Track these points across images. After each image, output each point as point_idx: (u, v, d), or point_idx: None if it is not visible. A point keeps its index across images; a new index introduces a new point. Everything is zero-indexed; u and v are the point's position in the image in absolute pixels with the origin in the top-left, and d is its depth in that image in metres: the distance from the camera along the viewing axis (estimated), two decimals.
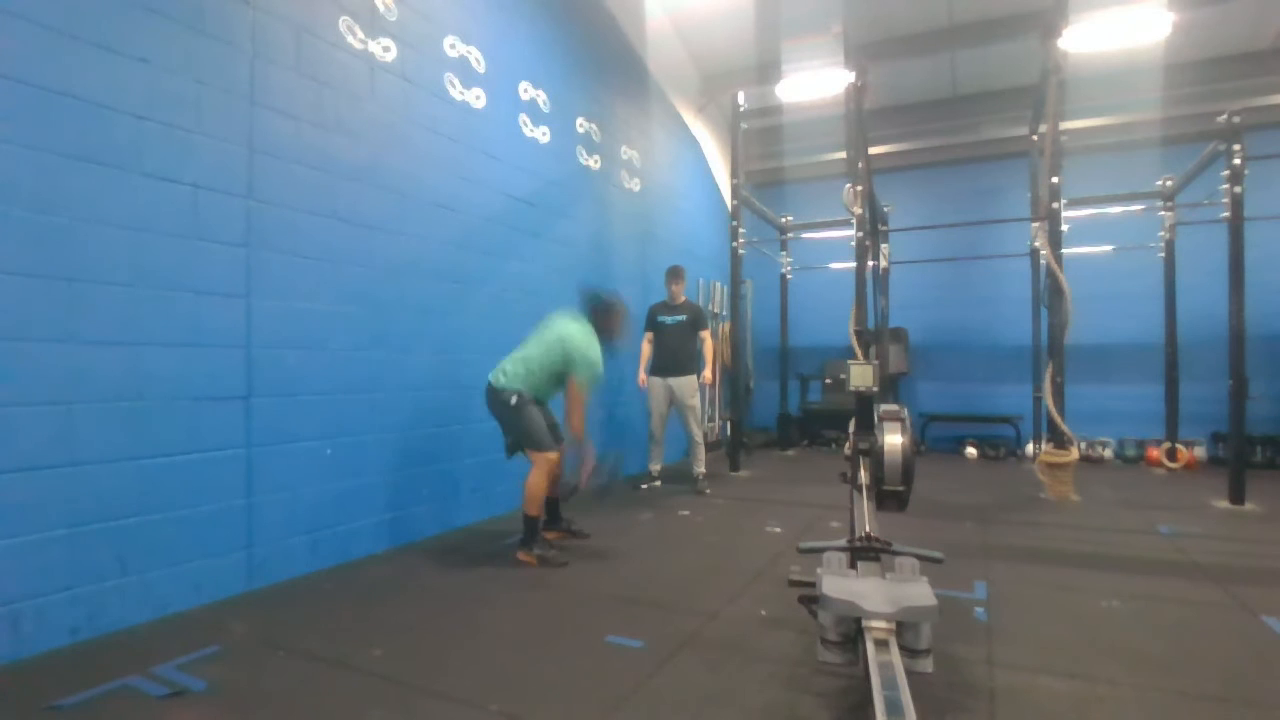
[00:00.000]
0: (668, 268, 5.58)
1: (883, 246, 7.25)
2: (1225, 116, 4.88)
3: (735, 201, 6.44)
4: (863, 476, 2.51)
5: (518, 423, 3.46)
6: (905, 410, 2.58)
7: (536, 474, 3.44)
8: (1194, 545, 3.74)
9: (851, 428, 2.64)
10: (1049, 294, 5.21)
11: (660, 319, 5.46)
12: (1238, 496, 4.76)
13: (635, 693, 2.03)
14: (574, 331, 3.55)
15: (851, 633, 1.91)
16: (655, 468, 5.54)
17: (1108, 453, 7.30)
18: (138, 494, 2.52)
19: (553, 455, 3.46)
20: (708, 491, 5.32)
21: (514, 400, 3.44)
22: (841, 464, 2.74)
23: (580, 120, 5.43)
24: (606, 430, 5.75)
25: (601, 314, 3.72)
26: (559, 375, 3.54)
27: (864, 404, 2.66)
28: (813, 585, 2.03)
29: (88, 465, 2.38)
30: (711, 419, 7.57)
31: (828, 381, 8.39)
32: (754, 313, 8.42)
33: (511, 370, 3.52)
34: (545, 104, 4.96)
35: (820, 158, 8.59)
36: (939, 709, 1.90)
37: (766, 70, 6.82)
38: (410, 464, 3.76)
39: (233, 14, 2.86)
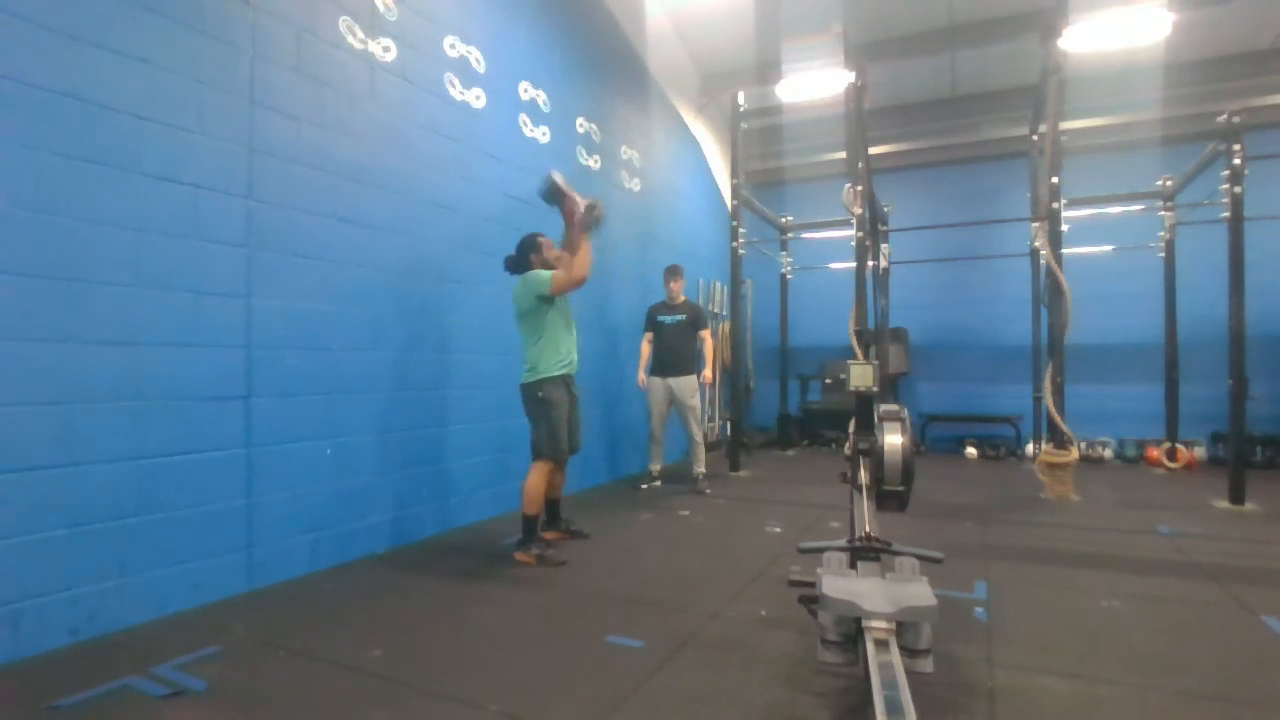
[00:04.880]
0: (666, 266, 5.58)
1: (883, 246, 7.26)
2: (1225, 116, 4.88)
3: (735, 201, 6.44)
4: (863, 476, 2.51)
5: (538, 420, 3.51)
6: (905, 410, 2.58)
7: (535, 475, 3.47)
8: (1194, 545, 3.74)
9: (851, 428, 2.64)
10: (1049, 294, 5.22)
11: (660, 319, 5.46)
12: (1238, 496, 4.76)
13: (635, 693, 2.03)
14: (514, 288, 3.59)
15: (851, 633, 1.91)
16: (655, 468, 5.54)
17: (1108, 453, 7.30)
18: (138, 494, 2.52)
19: (547, 466, 3.50)
20: (708, 491, 5.32)
21: (540, 394, 3.48)
22: (841, 464, 2.74)
23: (580, 120, 5.43)
24: (606, 430, 5.76)
25: (518, 253, 3.70)
26: (532, 321, 3.53)
27: (864, 404, 2.66)
28: (813, 585, 2.03)
29: (88, 465, 2.38)
30: (711, 419, 7.56)
31: (828, 381, 8.39)
32: (754, 313, 8.41)
33: (527, 358, 3.57)
34: (545, 104, 4.96)
35: (820, 158, 8.59)
36: (939, 709, 1.90)
37: (766, 70, 6.80)
38: (410, 464, 3.76)
39: (233, 14, 2.86)
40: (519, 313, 3.58)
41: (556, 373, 3.54)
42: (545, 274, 3.51)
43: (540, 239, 3.70)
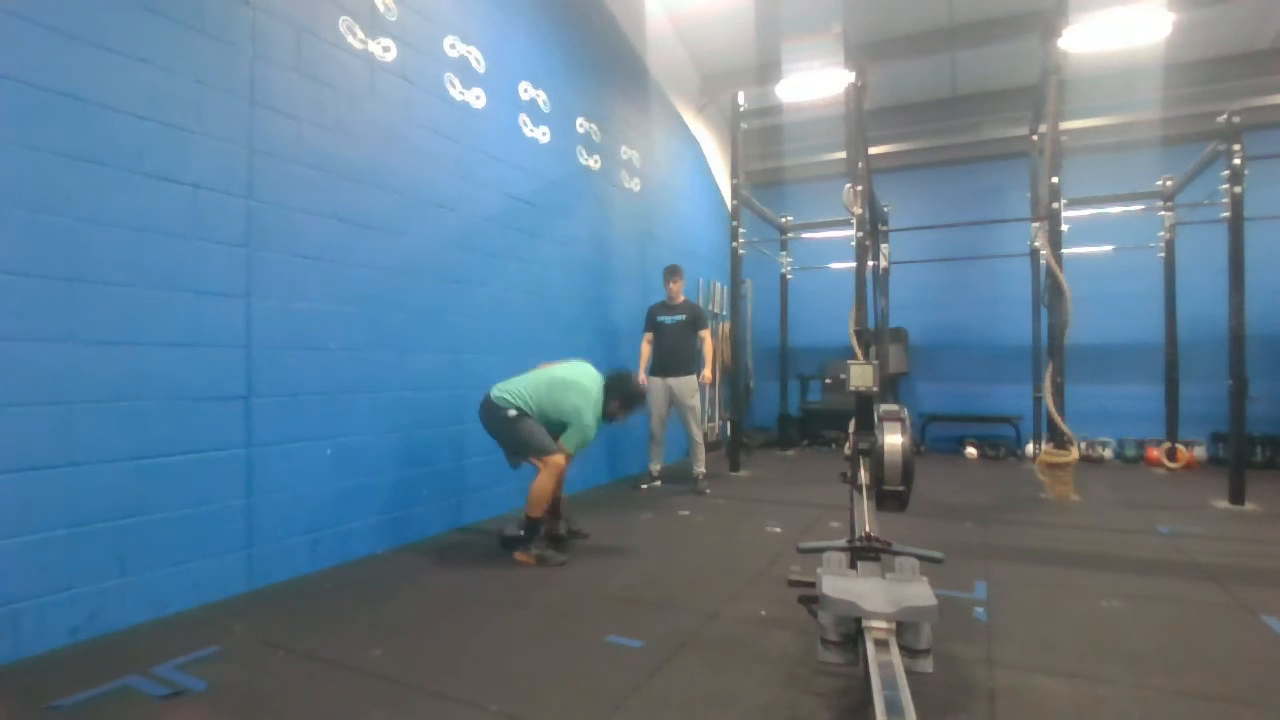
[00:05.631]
0: (665, 267, 5.59)
1: (883, 246, 7.26)
2: (1225, 116, 4.88)
3: (735, 201, 6.44)
4: (863, 476, 2.51)
5: (517, 434, 3.46)
6: (905, 410, 2.58)
7: (544, 477, 3.42)
8: (1194, 545, 3.74)
9: (851, 428, 2.64)
10: (1049, 294, 5.22)
11: (659, 319, 5.46)
12: (1238, 496, 4.76)
13: (635, 693, 2.03)
14: (588, 392, 3.56)
15: (851, 633, 1.91)
16: (655, 468, 5.54)
17: (1108, 453, 7.30)
18: (138, 494, 2.52)
19: (560, 458, 3.46)
20: (708, 491, 5.32)
21: (512, 413, 3.45)
22: (841, 464, 2.74)
23: (580, 120, 5.43)
24: (607, 430, 5.71)
25: (618, 390, 3.69)
26: (555, 424, 3.54)
27: (864, 404, 2.66)
28: (813, 585, 2.03)
29: (88, 465, 2.38)
30: (711, 419, 7.56)
31: (828, 381, 8.39)
32: (754, 313, 8.41)
33: (515, 393, 3.52)
34: (545, 104, 4.96)
35: (820, 158, 8.59)
36: (939, 709, 1.90)
37: (766, 70, 6.81)
38: (410, 464, 3.76)
39: (233, 14, 2.86)
40: (563, 401, 3.50)
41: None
42: (585, 434, 3.53)
43: (638, 397, 3.82)
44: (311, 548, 3.21)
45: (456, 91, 4.12)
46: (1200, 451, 6.82)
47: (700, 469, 5.47)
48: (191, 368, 2.70)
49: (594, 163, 5.58)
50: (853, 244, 4.93)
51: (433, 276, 3.92)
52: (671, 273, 5.52)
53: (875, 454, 2.49)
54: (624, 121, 6.09)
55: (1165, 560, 3.49)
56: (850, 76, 4.68)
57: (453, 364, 4.06)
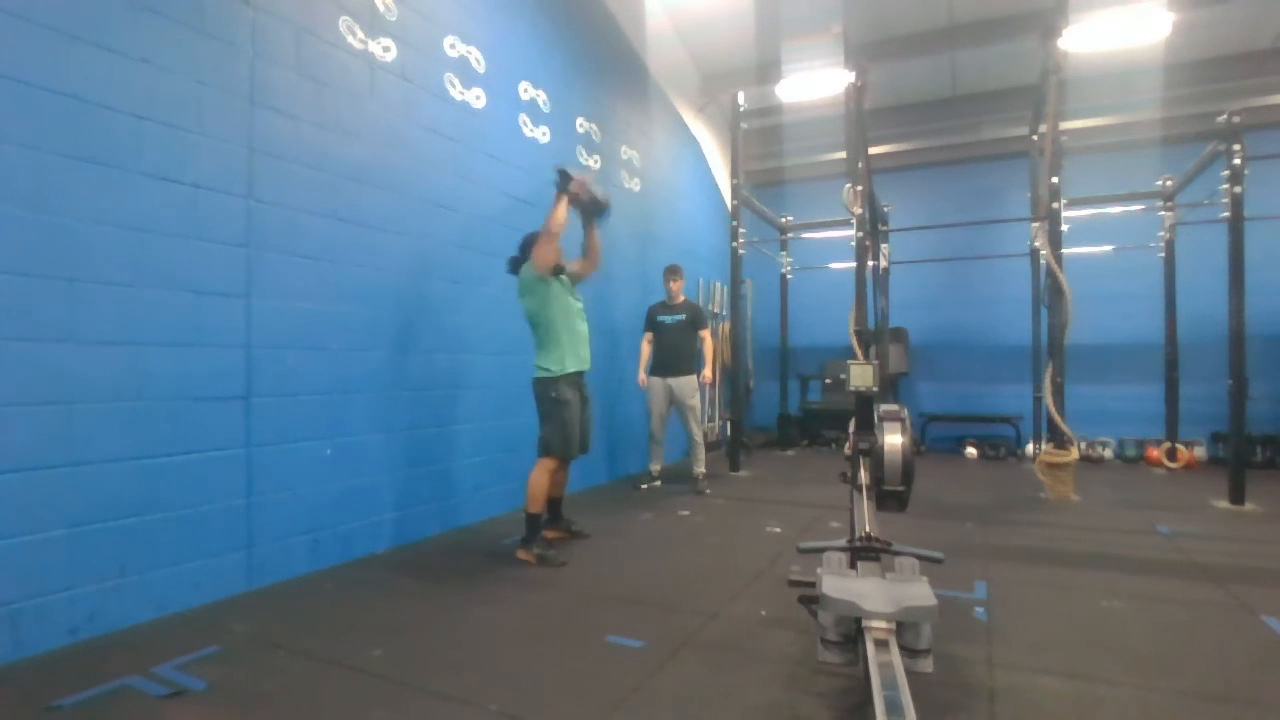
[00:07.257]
0: (665, 266, 5.59)
1: (883, 246, 7.26)
2: (1225, 116, 4.88)
3: (735, 201, 6.44)
4: (863, 476, 2.51)
5: (549, 417, 3.52)
6: (905, 410, 2.58)
7: (538, 473, 3.49)
8: (1194, 545, 3.74)
9: (851, 428, 2.64)
10: (1049, 294, 5.22)
11: (659, 319, 5.46)
12: (1238, 496, 4.76)
13: (635, 693, 2.03)
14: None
15: (851, 633, 1.91)
16: (655, 468, 5.54)
17: (1108, 453, 7.30)
18: (138, 494, 2.52)
19: (552, 464, 3.53)
20: (708, 491, 5.32)
21: (552, 393, 3.50)
22: (841, 464, 2.74)
23: (580, 120, 5.43)
24: (607, 430, 5.75)
25: (520, 251, 3.69)
26: (537, 318, 3.56)
27: (864, 404, 2.66)
28: (813, 585, 2.02)
29: (88, 465, 2.38)
30: (711, 419, 7.56)
31: (828, 381, 8.39)
32: (754, 313, 8.41)
33: (537, 356, 3.59)
34: (545, 104, 4.96)
35: (820, 158, 8.58)
36: (939, 709, 1.90)
37: (766, 70, 6.81)
38: (410, 464, 3.76)
39: (233, 14, 2.86)
40: (525, 313, 3.61)
41: (570, 369, 3.56)
42: (530, 267, 3.56)
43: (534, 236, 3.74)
44: (311, 548, 3.21)
45: (456, 91, 4.12)
46: (1200, 451, 6.82)
47: (700, 469, 5.47)
48: (191, 368, 2.70)
49: (594, 163, 5.57)
50: (853, 244, 4.93)
51: (433, 276, 3.92)
52: (671, 272, 5.52)
53: (875, 454, 2.49)
54: (624, 121, 6.09)
55: (1165, 560, 3.49)
56: (850, 76, 4.68)
57: (453, 364, 4.06)
